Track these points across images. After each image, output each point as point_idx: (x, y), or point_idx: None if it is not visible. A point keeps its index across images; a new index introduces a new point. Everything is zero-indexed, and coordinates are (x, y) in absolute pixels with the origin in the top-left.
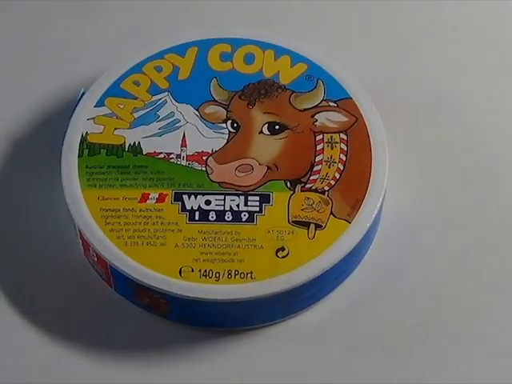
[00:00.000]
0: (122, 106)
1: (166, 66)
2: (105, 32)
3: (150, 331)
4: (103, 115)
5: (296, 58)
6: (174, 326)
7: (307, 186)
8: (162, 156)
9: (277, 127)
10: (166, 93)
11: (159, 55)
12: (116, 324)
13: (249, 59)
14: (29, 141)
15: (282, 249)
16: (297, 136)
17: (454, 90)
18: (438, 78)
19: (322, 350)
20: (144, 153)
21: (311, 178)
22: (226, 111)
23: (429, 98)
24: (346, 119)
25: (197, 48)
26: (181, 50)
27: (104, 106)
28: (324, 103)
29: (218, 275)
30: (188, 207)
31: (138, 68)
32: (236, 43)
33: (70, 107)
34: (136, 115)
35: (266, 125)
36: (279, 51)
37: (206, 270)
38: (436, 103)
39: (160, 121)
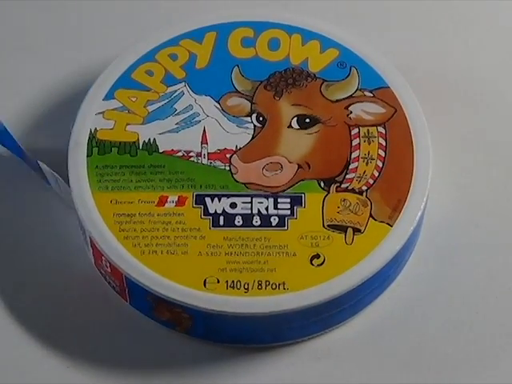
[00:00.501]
0: (134, 99)
1: (181, 54)
2: (113, 17)
3: (170, 349)
4: (113, 109)
5: (326, 43)
6: (196, 343)
7: (343, 185)
8: (180, 154)
9: (307, 120)
10: (183, 83)
11: (174, 41)
12: (131, 342)
13: (274, 45)
14: (33, 138)
15: (317, 256)
16: (330, 130)
17: (498, 78)
18: (480, 66)
19: (359, 368)
20: (160, 151)
21: (347, 176)
22: (250, 103)
23: (471, 87)
24: (383, 110)
25: (215, 33)
26: (198, 35)
27: (114, 98)
28: (359, 93)
29: (246, 286)
30: (211, 211)
31: (150, 56)
32: (259, 27)
33: (76, 101)
34: (150, 109)
35: (296, 118)
36: (307, 35)
37: (233, 281)
38: (479, 92)
39: (177, 115)
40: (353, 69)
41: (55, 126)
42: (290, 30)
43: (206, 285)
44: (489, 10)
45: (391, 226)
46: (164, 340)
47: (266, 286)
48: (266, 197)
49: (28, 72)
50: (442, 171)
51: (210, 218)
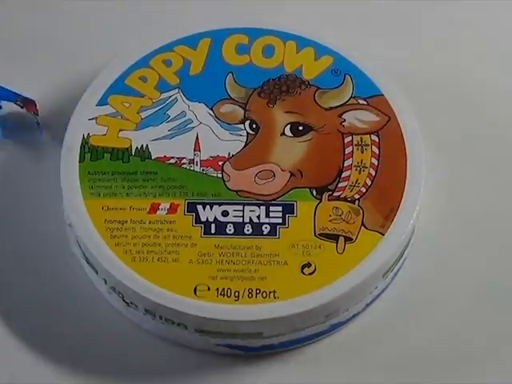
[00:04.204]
0: (127, 105)
1: (175, 60)
2: (107, 23)
3: (159, 358)
4: (106, 115)
5: (320, 50)
6: (186, 352)
7: (335, 194)
8: (173, 161)
9: (300, 128)
10: (177, 89)
11: (168, 47)
12: (123, 351)
13: (268, 52)
14: (24, 143)
15: (308, 265)
16: (323, 138)
17: (495, 85)
18: (476, 73)
19: (348, 375)
20: (153, 157)
21: (339, 185)
22: (243, 110)
23: (466, 96)
24: (377, 119)
25: (210, 39)
26: (192, 41)
27: (107, 104)
28: (352, 101)
29: (237, 294)
30: (203, 219)
31: (144, 62)
32: (253, 34)
33: (70, 106)
34: (143, 115)
35: (289, 125)
36: (302, 43)
37: (223, 289)
38: (474, 100)
39: (170, 121)
40: (347, 76)
41: (48, 132)
42: (285, 36)
43: (197, 292)
44: (484, 15)
45: (383, 235)
46: (153, 349)
47: (257, 294)
48: (258, 205)
49: (20, 79)
50: (434, 180)
51: (202, 225)
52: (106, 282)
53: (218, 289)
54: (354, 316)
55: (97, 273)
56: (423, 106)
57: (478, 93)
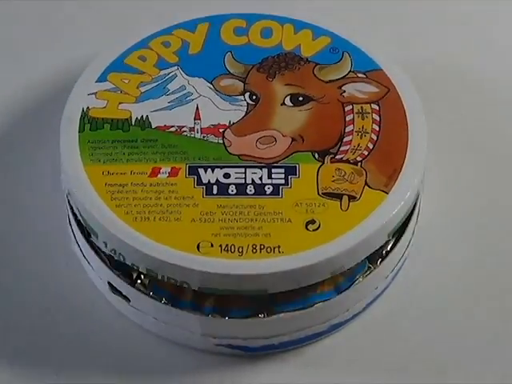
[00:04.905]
0: (126, 81)
1: (174, 41)
2: (107, 9)
3: (160, 358)
4: (106, 90)
5: (318, 32)
6: (186, 352)
7: (337, 157)
8: (173, 129)
9: (300, 98)
10: (176, 67)
11: (167, 31)
12: (122, 351)
13: (266, 33)
14: (23, 124)
15: (313, 222)
16: (323, 107)
17: (496, 66)
18: (476, 52)
19: (348, 375)
20: (153, 126)
21: (341, 148)
22: (243, 84)
23: (467, 76)
24: (376, 90)
25: (208, 24)
26: (190, 25)
27: (107, 81)
28: (351, 74)
29: (241, 250)
30: (205, 181)
31: (143, 43)
32: (251, 18)
33: (70, 86)
34: (143, 89)
35: (289, 96)
36: (299, 25)
37: (227, 245)
38: (469, 81)
39: (170, 94)
40: (345, 53)
41: (46, 114)
42: (282, 20)
43: (200, 249)
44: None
45: (387, 194)
46: (153, 349)
47: (261, 249)
48: (260, 167)
49: (18, 61)
50: (434, 179)
51: (204, 187)
52: (106, 245)
53: (221, 245)
54: (354, 316)
55: (97, 237)
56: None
57: (479, 71)
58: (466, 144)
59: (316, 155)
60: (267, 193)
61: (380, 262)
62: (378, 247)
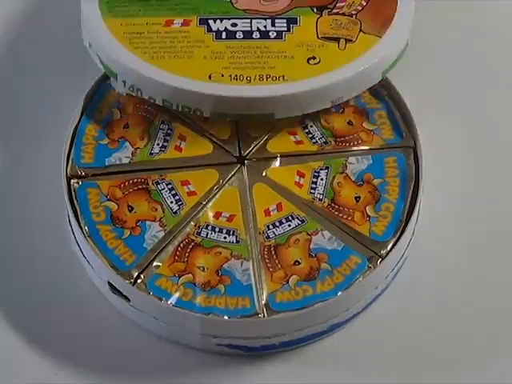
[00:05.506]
0: None
1: None
2: None
3: (160, 357)
4: None
5: None
6: (187, 351)
7: (334, 10)
8: None
9: None
10: None
11: None
12: (121, 350)
13: None
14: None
15: (314, 58)
16: None
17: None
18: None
19: (347, 374)
20: None
21: (338, 4)
22: None
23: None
24: None
25: None
26: None
27: None
28: None
29: (249, 78)
30: (214, 29)
31: None
32: None
33: None
34: None
35: None
36: None
37: (236, 75)
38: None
39: None
40: None
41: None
42: None
43: (212, 78)
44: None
45: (380, 37)
46: (153, 349)
47: (267, 78)
48: (265, 18)
49: None
50: (434, 180)
51: (214, 33)
52: (124, 85)
53: (230, 75)
54: (354, 316)
55: (116, 78)
56: (423, 106)
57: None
58: (466, 144)
59: (315, 9)
60: (271, 37)
61: (380, 262)
62: (373, 84)
